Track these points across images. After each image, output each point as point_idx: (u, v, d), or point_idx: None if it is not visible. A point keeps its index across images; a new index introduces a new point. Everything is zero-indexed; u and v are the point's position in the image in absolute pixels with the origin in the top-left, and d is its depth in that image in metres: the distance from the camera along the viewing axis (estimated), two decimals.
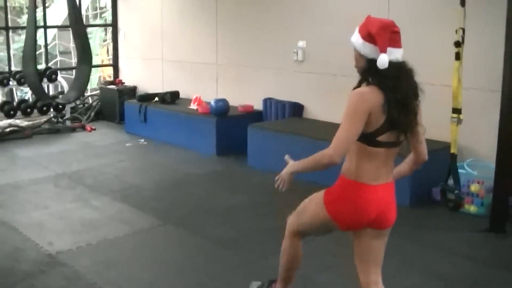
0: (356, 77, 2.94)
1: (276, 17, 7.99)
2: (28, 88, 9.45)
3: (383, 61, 2.71)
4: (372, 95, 2.71)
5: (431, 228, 5.35)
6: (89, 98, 10.99)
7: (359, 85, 2.84)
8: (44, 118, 9.62)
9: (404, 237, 5.04)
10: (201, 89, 9.07)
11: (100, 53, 13.51)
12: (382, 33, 2.74)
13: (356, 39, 2.83)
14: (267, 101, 8.09)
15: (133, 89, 10.15)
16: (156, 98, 9.02)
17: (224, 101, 7.84)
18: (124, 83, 10.40)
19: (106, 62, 13.45)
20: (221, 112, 7.79)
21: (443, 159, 6.25)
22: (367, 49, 2.78)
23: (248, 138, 7.33)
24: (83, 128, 9.51)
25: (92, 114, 10.14)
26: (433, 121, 6.45)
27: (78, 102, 10.49)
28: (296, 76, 7.79)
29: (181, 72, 9.58)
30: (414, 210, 5.75)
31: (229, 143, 7.84)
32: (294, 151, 6.20)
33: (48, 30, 13.75)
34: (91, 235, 5.00)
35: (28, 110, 9.29)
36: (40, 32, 13.77)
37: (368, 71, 2.80)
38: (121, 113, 9.84)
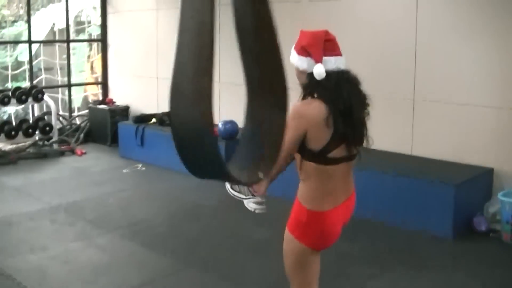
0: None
1: (286, 31, 7.37)
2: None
3: (318, 70, 2.65)
4: (312, 110, 2.64)
5: (482, 262, 4.82)
6: (76, 119, 10.26)
7: (303, 99, 2.74)
8: (28, 141, 8.87)
9: (456, 273, 4.59)
10: None
11: (84, 69, 12.79)
12: (314, 43, 2.69)
13: (293, 56, 2.76)
14: None
15: (126, 109, 9.46)
16: (154, 119, 8.34)
17: (232, 122, 7.21)
18: (115, 102, 9.69)
19: (90, 79, 12.75)
20: (230, 135, 7.16)
21: (483, 185, 5.74)
22: (305, 64, 2.70)
23: None
24: (73, 151, 8.78)
25: (81, 136, 9.40)
26: (471, 144, 5.97)
27: (65, 123, 9.76)
28: None
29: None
30: (459, 243, 5.26)
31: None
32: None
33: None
34: (103, 284, 4.30)
35: (12, 132, 8.53)
36: (22, 47, 13.07)
37: (309, 86, 2.70)
38: (113, 135, 9.14)
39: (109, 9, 10.06)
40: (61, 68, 13.28)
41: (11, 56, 13.84)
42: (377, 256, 4.93)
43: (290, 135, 2.61)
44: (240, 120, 7.39)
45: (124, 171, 7.69)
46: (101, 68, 10.38)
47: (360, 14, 6.72)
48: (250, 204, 3.30)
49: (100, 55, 12.43)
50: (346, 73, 2.74)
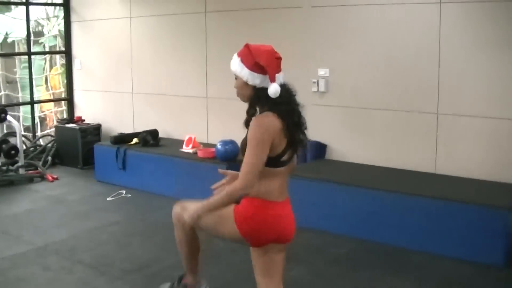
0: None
1: (288, 41, 6.73)
2: None
3: (275, 90, 2.85)
4: (272, 123, 2.83)
5: None
6: (40, 140, 9.33)
7: (250, 113, 2.95)
8: None
9: None
10: (186, 128, 7.67)
11: (41, 84, 11.80)
12: (270, 63, 2.85)
13: (241, 69, 2.89)
14: None
15: (97, 127, 8.59)
16: (135, 140, 7.53)
17: (233, 143, 6.48)
18: (84, 120, 8.82)
19: (46, 96, 11.80)
20: (231, 157, 6.44)
21: None
22: (257, 80, 2.86)
23: None
24: (42, 177, 7.86)
25: (49, 159, 8.48)
26: (503, 160, 5.47)
27: (29, 145, 8.84)
28: (316, 110, 6.53)
29: (158, 107, 8.12)
30: None
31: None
32: (336, 202, 5.53)
33: None
34: None
35: None
36: None
37: (258, 100, 2.90)
38: (84, 157, 8.28)
39: (74, 18, 9.16)
40: (8, 82, 12.27)
41: None
42: None
43: (260, 150, 2.80)
44: (232, 136, 6.77)
45: (108, 199, 6.85)
46: (66, 83, 9.46)
47: (371, 22, 6.13)
48: None
49: (55, 68, 11.55)
50: (288, 86, 2.97)
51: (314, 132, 6.42)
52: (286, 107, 2.88)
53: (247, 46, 2.94)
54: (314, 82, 6.47)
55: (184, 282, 3.60)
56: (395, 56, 5.94)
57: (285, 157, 2.93)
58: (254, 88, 2.88)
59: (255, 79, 2.87)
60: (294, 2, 6.60)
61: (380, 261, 4.95)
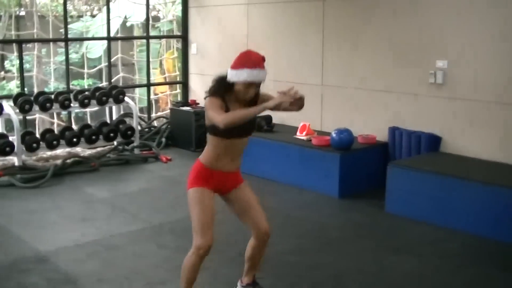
0: None
1: (405, 31, 6.49)
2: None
3: None
4: None
5: None
6: (155, 121, 9.55)
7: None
8: (108, 146, 8.18)
9: None
10: (299, 115, 7.56)
11: (156, 67, 12.11)
12: None
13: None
14: (395, 131, 6.60)
15: None
16: None
17: (348, 132, 6.36)
18: (198, 104, 8.94)
19: (159, 78, 12.09)
20: (345, 145, 6.32)
21: None
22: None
23: (387, 180, 5.86)
24: (156, 158, 8.03)
25: (163, 140, 8.66)
26: None
27: (144, 126, 9.07)
28: (431, 102, 6.30)
29: (273, 93, 8.07)
30: None
31: (353, 183, 6.38)
32: (449, 195, 5.37)
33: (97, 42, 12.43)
34: None
35: (93, 137, 7.81)
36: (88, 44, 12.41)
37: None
38: (197, 140, 8.40)
39: (191, 3, 9.29)
40: (123, 65, 12.65)
41: (76, 53, 13.23)
42: None
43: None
44: (346, 124, 6.65)
45: None
46: (182, 67, 9.64)
47: (493, 13, 5.80)
48: None
49: (170, 52, 11.79)
50: None
51: (428, 123, 6.31)
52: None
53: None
54: (431, 74, 6.23)
55: None
56: None
57: None
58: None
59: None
60: None
61: (493, 258, 4.74)
